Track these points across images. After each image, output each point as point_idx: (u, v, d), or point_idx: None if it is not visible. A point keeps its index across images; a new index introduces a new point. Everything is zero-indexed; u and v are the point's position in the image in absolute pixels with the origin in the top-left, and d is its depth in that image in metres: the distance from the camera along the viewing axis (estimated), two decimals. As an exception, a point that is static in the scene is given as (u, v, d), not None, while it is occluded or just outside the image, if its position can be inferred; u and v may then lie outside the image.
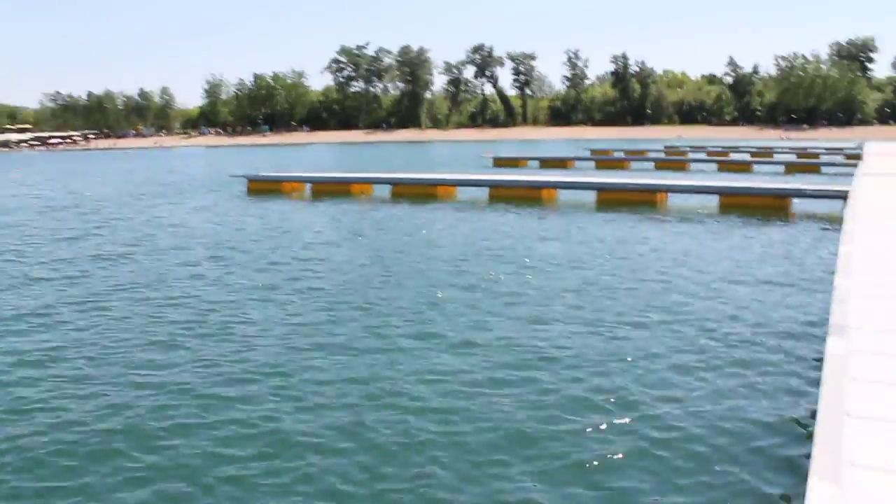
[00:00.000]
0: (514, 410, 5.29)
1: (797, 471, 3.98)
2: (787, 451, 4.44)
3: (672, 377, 5.96)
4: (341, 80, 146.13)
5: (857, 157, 33.44)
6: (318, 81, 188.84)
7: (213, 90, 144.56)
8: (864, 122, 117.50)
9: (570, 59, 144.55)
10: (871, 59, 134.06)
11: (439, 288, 9.19)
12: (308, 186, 23.51)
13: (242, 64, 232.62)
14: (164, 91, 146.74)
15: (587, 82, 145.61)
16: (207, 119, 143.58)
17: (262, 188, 23.98)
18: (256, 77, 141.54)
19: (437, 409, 5.37)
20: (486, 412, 5.27)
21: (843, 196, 13.38)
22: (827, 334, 3.30)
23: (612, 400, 5.49)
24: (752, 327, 7.35)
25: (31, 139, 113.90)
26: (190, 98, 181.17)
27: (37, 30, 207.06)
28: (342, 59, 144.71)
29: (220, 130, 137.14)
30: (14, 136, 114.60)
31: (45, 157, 74.63)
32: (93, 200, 22.24)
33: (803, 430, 4.62)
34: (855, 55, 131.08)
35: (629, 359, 6.41)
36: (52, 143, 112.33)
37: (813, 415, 2.28)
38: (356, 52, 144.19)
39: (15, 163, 57.54)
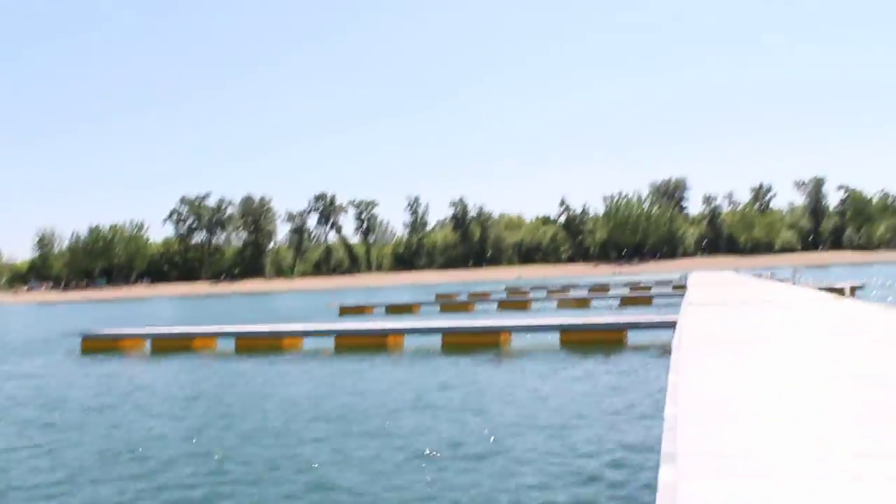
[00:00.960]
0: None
1: None
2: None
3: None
4: (182, 231, 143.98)
5: (683, 287, 35.74)
6: (159, 233, 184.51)
7: (44, 242, 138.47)
8: (685, 254, 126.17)
9: (410, 204, 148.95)
10: (684, 198, 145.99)
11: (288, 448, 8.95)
12: (148, 342, 22.58)
13: (76, 215, 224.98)
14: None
15: (428, 227, 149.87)
16: (38, 273, 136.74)
17: (98, 346, 22.82)
18: (92, 229, 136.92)
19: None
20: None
21: (672, 325, 14.20)
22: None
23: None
24: (595, 460, 7.56)
25: None
26: (18, 251, 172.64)
27: None
28: (183, 209, 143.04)
29: (52, 285, 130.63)
30: None
31: None
32: None
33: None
34: (671, 193, 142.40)
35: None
36: None
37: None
38: (197, 202, 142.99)
39: None
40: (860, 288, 34.34)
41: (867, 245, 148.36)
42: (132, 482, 7.65)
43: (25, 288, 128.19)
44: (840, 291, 24.79)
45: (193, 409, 11.91)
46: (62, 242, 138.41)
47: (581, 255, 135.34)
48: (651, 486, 6.23)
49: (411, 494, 6.85)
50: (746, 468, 3.26)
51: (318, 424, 10.13)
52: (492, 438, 8.80)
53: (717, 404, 4.84)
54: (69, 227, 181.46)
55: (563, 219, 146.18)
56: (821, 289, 24.88)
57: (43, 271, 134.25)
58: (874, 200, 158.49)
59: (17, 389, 15.42)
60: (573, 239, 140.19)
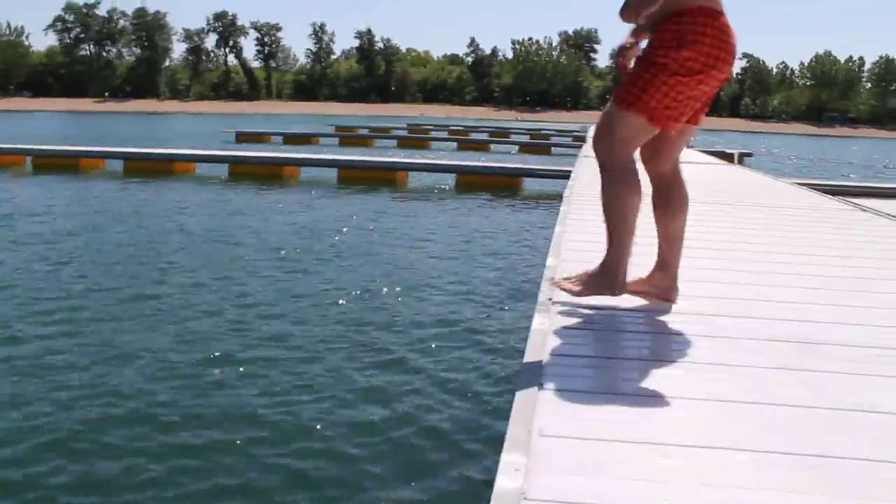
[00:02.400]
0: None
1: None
2: (494, 423, 4.79)
3: (394, 344, 6.19)
4: (68, 41, 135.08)
5: (583, 139, 36.13)
6: (41, 42, 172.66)
7: None
8: (589, 107, 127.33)
9: (315, 32, 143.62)
10: (594, 50, 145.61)
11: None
12: (28, 160, 21.55)
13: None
14: None
15: (333, 57, 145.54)
16: None
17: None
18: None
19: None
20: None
21: (567, 176, 14.44)
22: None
23: (320, 379, 5.60)
24: (473, 301, 7.82)
25: None
26: None
27: None
28: (69, 17, 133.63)
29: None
30: None
31: None
32: None
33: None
34: (580, 45, 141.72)
35: (354, 326, 6.58)
36: None
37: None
38: (85, 11, 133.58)
39: None
40: (749, 155, 35.56)
41: (761, 115, 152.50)
42: None
43: None
44: (730, 158, 25.63)
45: (71, 232, 11.58)
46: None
47: (486, 98, 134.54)
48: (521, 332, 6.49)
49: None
50: (613, 321, 3.38)
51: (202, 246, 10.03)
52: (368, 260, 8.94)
53: (596, 260, 4.91)
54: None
55: (470, 59, 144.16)
56: (712, 153, 25.66)
57: None
58: (774, 72, 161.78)
59: None
60: (479, 81, 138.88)
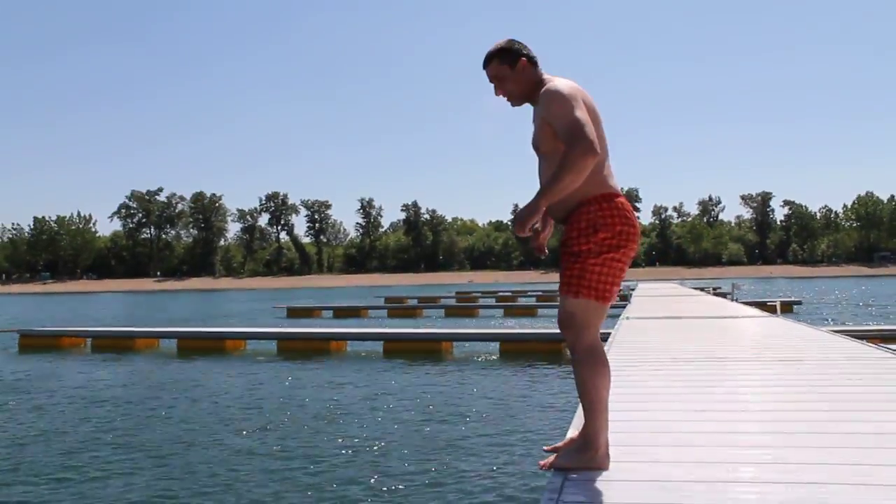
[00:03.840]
0: None
1: None
2: None
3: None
4: (131, 225, 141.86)
5: (627, 298, 36.14)
6: (107, 228, 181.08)
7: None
8: (636, 264, 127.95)
9: (363, 206, 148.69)
10: (636, 209, 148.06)
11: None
12: (88, 341, 22.40)
13: (20, 207, 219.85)
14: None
15: (381, 230, 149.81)
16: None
17: (37, 343, 22.58)
18: (37, 220, 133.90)
19: None
20: None
21: (605, 338, 14.55)
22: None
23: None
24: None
25: None
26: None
27: None
28: (132, 203, 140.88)
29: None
30: None
31: None
32: None
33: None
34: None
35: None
36: None
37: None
38: (147, 197, 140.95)
39: None
40: (797, 303, 35.22)
41: (810, 260, 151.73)
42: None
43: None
44: (772, 308, 25.51)
45: (120, 409, 11.92)
46: (3, 234, 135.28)
47: (532, 261, 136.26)
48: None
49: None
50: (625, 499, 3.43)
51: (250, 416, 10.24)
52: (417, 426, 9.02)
53: (629, 427, 4.99)
54: (9, 219, 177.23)
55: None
56: (753, 304, 25.63)
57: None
58: (817, 216, 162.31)
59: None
60: (524, 246, 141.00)
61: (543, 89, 3.53)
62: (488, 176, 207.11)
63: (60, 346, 22.23)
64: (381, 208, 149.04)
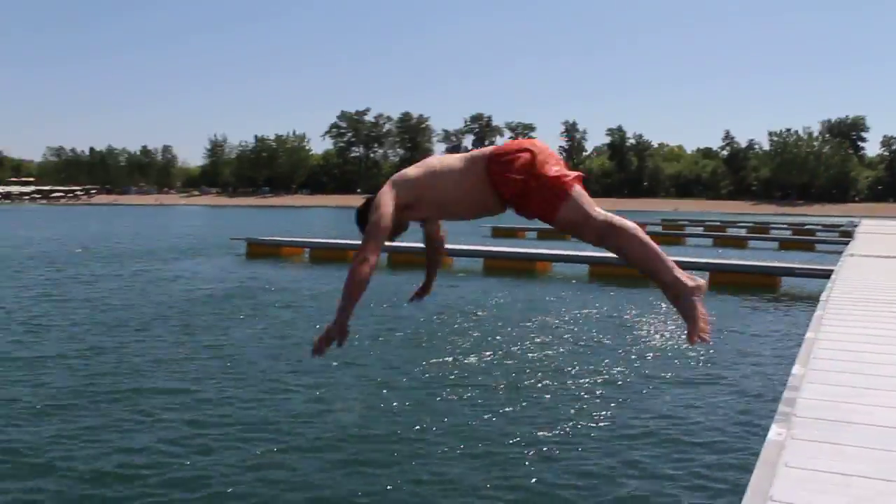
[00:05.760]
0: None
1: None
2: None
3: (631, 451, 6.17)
4: (341, 144, 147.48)
5: (850, 234, 33.70)
6: (319, 146, 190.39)
7: (215, 150, 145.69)
8: (859, 198, 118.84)
9: (567, 129, 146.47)
10: (862, 139, 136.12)
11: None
12: (307, 251, 23.83)
13: (243, 125, 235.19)
14: (167, 149, 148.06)
15: (584, 154, 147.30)
16: (208, 179, 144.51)
17: (262, 251, 24.31)
18: (259, 139, 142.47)
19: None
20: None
21: (828, 276, 13.62)
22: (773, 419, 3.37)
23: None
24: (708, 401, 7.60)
25: (34, 192, 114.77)
26: (191, 157, 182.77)
27: (41, 83, 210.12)
28: (342, 124, 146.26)
29: (220, 191, 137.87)
30: (16, 189, 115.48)
31: (49, 210, 74.83)
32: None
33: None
34: (846, 133, 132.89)
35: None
36: (55, 197, 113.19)
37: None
38: (356, 117, 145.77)
39: (16, 216, 57.81)
40: None
41: None
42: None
43: (198, 192, 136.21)
44: None
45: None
46: (231, 151, 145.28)
47: (742, 192, 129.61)
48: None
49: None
50: (865, 443, 3.20)
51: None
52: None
53: (852, 371, 4.61)
54: (237, 137, 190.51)
55: (725, 153, 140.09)
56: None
57: (212, 177, 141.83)
58: None
59: (192, 287, 16.78)
60: (735, 175, 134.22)
61: None
62: (697, 101, 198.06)
63: (281, 254, 23.83)
64: (585, 132, 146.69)
